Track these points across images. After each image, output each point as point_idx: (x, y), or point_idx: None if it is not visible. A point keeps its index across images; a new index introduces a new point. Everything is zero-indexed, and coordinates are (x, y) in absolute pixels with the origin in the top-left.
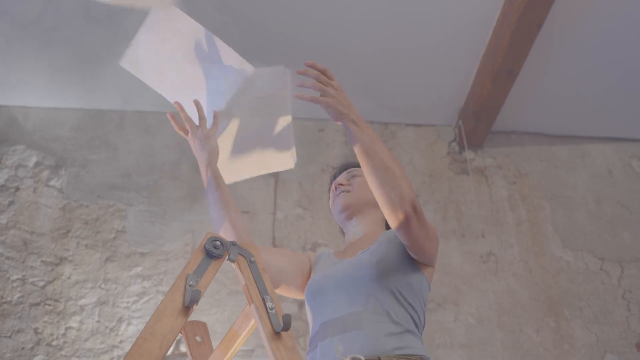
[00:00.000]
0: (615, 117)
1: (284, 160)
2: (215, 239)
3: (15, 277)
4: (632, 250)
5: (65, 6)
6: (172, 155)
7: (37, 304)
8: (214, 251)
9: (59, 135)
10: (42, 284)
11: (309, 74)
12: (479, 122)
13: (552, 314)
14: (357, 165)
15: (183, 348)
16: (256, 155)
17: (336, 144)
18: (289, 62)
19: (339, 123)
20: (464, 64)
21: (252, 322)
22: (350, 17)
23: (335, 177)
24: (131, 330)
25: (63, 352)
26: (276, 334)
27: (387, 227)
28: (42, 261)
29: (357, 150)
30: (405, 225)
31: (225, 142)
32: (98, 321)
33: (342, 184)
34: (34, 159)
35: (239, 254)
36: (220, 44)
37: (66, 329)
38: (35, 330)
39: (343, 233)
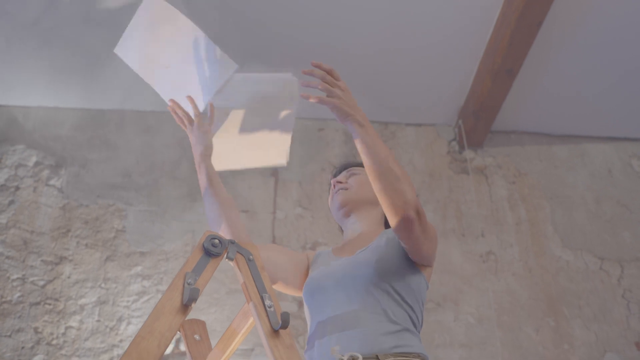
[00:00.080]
0: (614, 116)
1: (276, 156)
2: (213, 237)
3: (15, 276)
4: (632, 250)
5: (65, 6)
6: (172, 155)
7: (37, 303)
8: (212, 249)
9: (59, 134)
10: (42, 283)
11: (315, 74)
12: (478, 121)
13: (551, 313)
14: (357, 165)
15: (183, 347)
16: (251, 148)
17: (336, 143)
18: (289, 62)
19: (345, 124)
20: (464, 63)
21: (251, 320)
22: (350, 17)
23: (335, 176)
24: (131, 330)
25: (63, 352)
26: (274, 332)
27: (386, 225)
28: (42, 260)
29: (361, 151)
30: (407, 229)
31: (223, 134)
32: (98, 320)
33: (340, 182)
34: (34, 159)
35: (238, 252)
36: (204, 41)
37: (66, 328)
38: (35, 330)
39: (342, 231)
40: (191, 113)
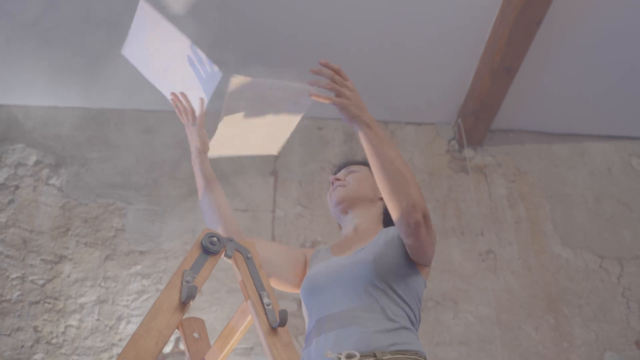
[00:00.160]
0: (614, 115)
1: (268, 146)
2: (212, 235)
3: (14, 275)
4: (632, 248)
5: (65, 6)
6: (172, 154)
7: (37, 302)
8: (210, 247)
9: (59, 133)
10: (41, 282)
11: (324, 74)
12: (478, 120)
13: (551, 311)
14: (357, 163)
15: (182, 346)
16: (249, 138)
17: (335, 142)
18: (289, 62)
19: (352, 125)
20: (463, 62)
21: (249, 317)
22: (350, 16)
23: (334, 173)
24: (131, 328)
25: (63, 350)
26: (273, 330)
27: (385, 223)
28: (41, 259)
29: (368, 152)
30: (414, 232)
31: (229, 119)
32: (97, 319)
33: (338, 179)
34: (33, 158)
35: (236, 250)
36: (190, 47)
37: (66, 327)
38: (35, 329)
39: (340, 228)
40: (197, 111)
